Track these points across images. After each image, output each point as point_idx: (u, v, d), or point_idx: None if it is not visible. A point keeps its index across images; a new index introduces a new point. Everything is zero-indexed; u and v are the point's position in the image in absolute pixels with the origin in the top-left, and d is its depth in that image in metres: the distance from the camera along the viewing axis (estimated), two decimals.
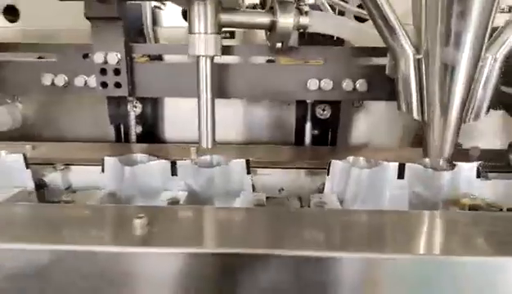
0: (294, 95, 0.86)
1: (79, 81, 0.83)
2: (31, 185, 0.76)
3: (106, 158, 0.75)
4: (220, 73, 0.84)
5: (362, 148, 1.06)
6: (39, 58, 0.93)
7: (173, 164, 0.76)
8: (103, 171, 0.75)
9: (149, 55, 0.89)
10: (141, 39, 1.00)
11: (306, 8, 0.75)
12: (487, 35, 0.65)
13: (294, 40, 0.89)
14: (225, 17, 0.72)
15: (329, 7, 0.91)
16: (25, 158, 0.75)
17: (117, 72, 0.81)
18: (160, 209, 0.64)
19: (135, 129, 1.06)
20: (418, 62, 0.69)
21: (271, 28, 0.75)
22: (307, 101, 0.98)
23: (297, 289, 0.49)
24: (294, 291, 0.49)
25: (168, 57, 0.93)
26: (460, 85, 0.66)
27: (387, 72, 0.75)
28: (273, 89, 0.85)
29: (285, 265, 0.48)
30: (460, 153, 0.83)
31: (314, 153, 0.94)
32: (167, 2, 0.99)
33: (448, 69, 0.66)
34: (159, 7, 1.02)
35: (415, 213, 0.64)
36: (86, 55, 0.84)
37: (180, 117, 1.07)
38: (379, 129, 1.07)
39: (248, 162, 0.75)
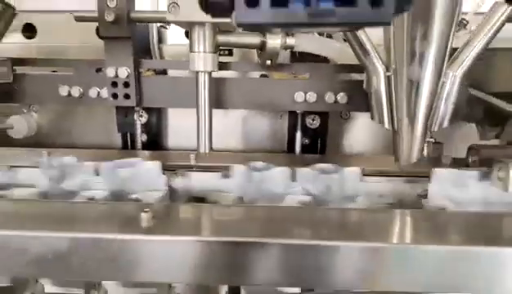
0: (283, 106, 0.96)
1: (93, 92, 0.94)
2: (166, 189, 0.84)
3: (235, 165, 0.83)
4: (218, 86, 0.94)
5: (361, 155, 1.14)
6: (53, 71, 1.03)
7: (294, 171, 0.82)
8: (227, 176, 0.83)
9: (154, 70, 1.00)
10: (147, 56, 1.11)
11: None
12: (448, 55, 0.74)
13: (285, 58, 1.00)
14: (221, 38, 0.82)
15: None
16: (162, 166, 0.84)
17: (126, 85, 0.91)
18: (163, 205, 0.73)
19: (141, 137, 1.15)
20: (388, 79, 0.79)
21: (261, 47, 0.86)
22: (298, 112, 1.09)
23: (284, 274, 0.57)
24: (282, 275, 0.57)
25: (171, 71, 1.03)
26: (424, 99, 0.76)
27: (364, 86, 0.85)
28: (264, 101, 0.95)
29: (276, 253, 0.56)
30: None
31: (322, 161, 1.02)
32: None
33: (414, 85, 0.76)
34: (164, 27, 1.13)
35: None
36: (99, 70, 0.94)
37: (182, 126, 1.17)
38: (366, 139, 1.16)
39: (362, 170, 0.82)
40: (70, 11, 1.06)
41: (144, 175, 0.83)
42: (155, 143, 1.16)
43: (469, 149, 0.90)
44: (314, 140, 1.12)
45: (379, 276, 0.57)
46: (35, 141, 1.13)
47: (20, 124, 1.09)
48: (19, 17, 1.11)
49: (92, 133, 1.17)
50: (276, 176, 0.82)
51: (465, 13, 1.03)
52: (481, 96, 0.94)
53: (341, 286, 0.57)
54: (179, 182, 0.87)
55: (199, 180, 0.87)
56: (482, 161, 0.85)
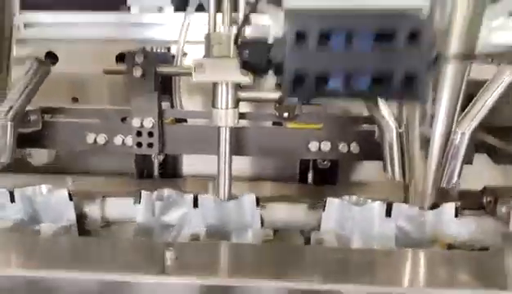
0: (297, 155, 1.00)
1: (118, 140, 0.98)
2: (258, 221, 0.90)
3: (330, 199, 0.86)
4: (236, 134, 0.98)
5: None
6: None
7: (389, 205, 0.84)
8: (324, 210, 0.86)
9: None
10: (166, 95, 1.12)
11: None
12: (456, 116, 0.80)
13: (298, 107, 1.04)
14: (243, 94, 0.88)
15: None
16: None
17: (150, 134, 0.95)
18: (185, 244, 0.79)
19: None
20: (400, 134, 0.84)
21: (280, 102, 0.91)
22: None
23: None
24: None
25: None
26: (434, 156, 0.81)
27: (376, 137, 0.90)
28: (279, 149, 0.99)
29: None
30: None
31: None
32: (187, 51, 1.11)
33: (424, 142, 0.81)
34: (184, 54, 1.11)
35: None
36: (124, 119, 0.99)
37: (198, 167, 1.22)
38: (375, 178, 1.20)
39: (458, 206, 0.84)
40: (92, 38, 1.15)
41: (241, 210, 0.88)
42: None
43: (484, 189, 0.93)
44: (324, 178, 1.17)
45: None
46: (52, 168, 1.16)
47: (40, 153, 1.11)
48: (41, 45, 1.17)
49: (109, 162, 1.21)
50: (373, 210, 0.84)
51: None
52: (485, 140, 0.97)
53: None
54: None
55: (283, 212, 0.93)
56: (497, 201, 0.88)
